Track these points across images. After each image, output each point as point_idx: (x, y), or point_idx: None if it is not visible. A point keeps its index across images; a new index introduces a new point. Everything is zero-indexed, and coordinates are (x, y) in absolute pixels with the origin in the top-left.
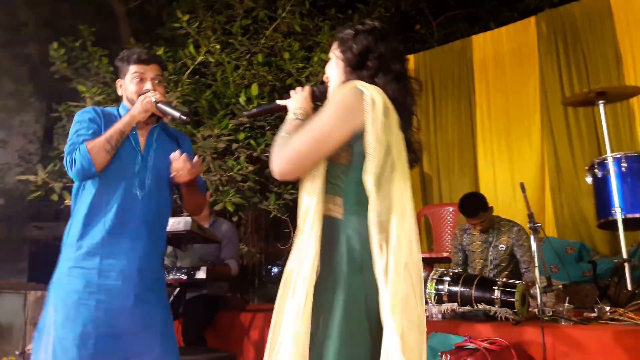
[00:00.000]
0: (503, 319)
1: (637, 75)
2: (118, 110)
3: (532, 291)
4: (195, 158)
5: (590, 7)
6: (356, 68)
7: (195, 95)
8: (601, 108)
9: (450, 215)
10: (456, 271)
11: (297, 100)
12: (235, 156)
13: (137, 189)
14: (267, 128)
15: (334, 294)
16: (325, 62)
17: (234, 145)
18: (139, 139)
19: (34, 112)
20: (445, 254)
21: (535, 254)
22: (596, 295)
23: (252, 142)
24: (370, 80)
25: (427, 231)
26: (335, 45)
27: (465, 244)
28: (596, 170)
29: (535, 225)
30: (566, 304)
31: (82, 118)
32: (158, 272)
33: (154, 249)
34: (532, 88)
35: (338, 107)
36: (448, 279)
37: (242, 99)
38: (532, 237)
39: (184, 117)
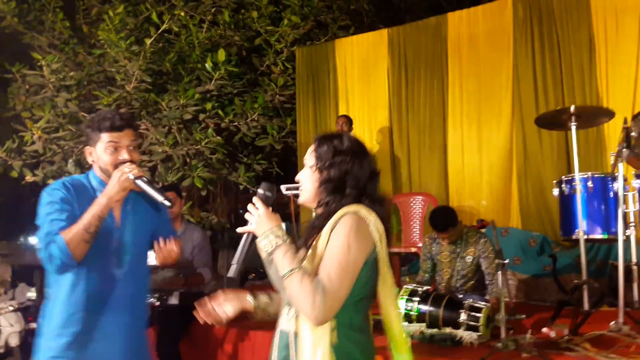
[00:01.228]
0: (468, 344)
1: (609, 67)
2: (89, 178)
3: (496, 316)
4: (174, 243)
5: None
6: (334, 191)
7: (159, 57)
8: (573, 130)
9: (420, 204)
10: (424, 289)
11: (260, 222)
12: (203, 126)
13: (115, 268)
14: (235, 92)
15: None
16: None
17: (201, 116)
18: (113, 211)
19: None
20: (413, 249)
21: (501, 291)
22: (555, 290)
23: (219, 112)
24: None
25: (397, 220)
26: (312, 152)
27: (434, 253)
28: (563, 187)
29: (503, 262)
30: (528, 335)
31: (52, 198)
32: (142, 344)
33: (136, 325)
34: (505, 73)
35: (356, 240)
36: (417, 298)
37: (208, 65)
38: (499, 273)
39: (167, 203)
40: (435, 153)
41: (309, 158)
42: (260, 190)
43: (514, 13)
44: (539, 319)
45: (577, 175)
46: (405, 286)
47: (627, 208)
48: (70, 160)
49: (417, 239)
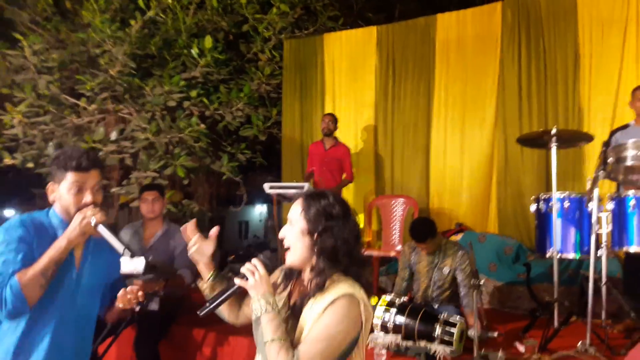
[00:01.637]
0: (441, 358)
1: (593, 76)
2: (49, 217)
3: (469, 332)
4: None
5: (557, 1)
6: (328, 258)
7: (144, 41)
8: (553, 151)
9: (401, 207)
10: (402, 300)
11: (258, 284)
12: (187, 113)
13: (69, 311)
14: (220, 79)
15: None
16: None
17: (186, 103)
18: (74, 251)
19: None
20: (392, 253)
21: (475, 308)
22: (528, 298)
23: (204, 100)
24: (345, 273)
25: (379, 222)
26: (301, 213)
27: (413, 263)
28: (541, 205)
29: (478, 283)
30: (499, 353)
31: (9, 237)
32: None
33: None
34: (491, 79)
35: (346, 327)
36: (395, 309)
37: (194, 51)
38: (474, 294)
39: (128, 253)
40: (419, 154)
41: (299, 219)
42: (261, 256)
43: (503, 18)
44: (512, 329)
45: (555, 194)
46: (383, 296)
47: (600, 229)
48: (50, 144)
49: (397, 242)
